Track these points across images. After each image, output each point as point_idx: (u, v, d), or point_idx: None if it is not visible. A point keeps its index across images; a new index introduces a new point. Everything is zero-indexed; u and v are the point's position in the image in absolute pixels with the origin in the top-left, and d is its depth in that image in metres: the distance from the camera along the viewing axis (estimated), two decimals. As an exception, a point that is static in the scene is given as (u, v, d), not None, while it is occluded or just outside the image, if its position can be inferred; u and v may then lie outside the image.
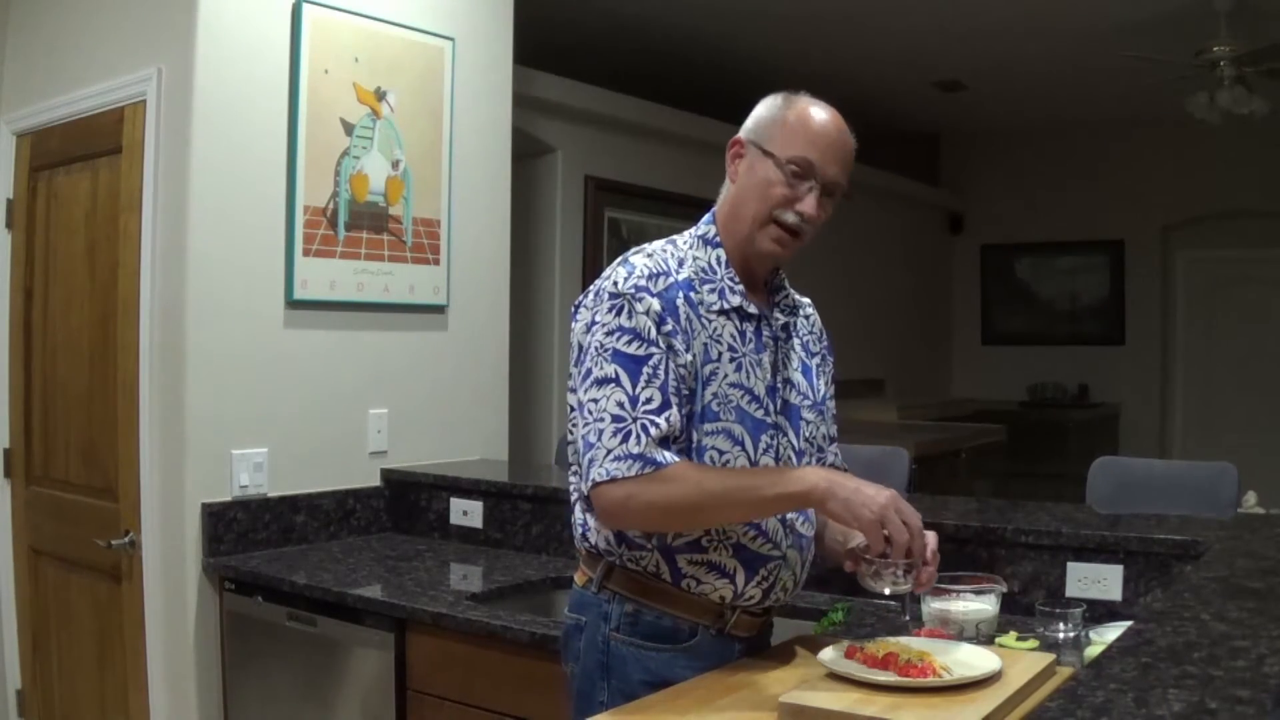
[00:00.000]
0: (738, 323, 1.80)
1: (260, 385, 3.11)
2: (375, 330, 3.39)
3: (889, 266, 7.99)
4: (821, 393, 1.94)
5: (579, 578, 1.86)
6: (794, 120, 1.78)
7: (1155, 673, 1.29)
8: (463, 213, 3.62)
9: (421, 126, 3.47)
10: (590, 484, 1.68)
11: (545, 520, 3.14)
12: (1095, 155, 8.12)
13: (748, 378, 1.79)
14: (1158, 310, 8.25)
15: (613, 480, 1.65)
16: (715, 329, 1.77)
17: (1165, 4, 5.25)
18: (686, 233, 1.87)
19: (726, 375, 1.77)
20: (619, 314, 1.71)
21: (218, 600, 3.01)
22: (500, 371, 3.81)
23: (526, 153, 4.82)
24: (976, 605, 1.93)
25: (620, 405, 1.67)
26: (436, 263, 3.53)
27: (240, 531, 3.05)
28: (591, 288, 1.80)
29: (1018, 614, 2.18)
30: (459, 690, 2.46)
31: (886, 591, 1.71)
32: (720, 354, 1.77)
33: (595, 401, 1.69)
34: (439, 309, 3.56)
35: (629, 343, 1.69)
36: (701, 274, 1.79)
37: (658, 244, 1.83)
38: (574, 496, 1.85)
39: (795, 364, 1.89)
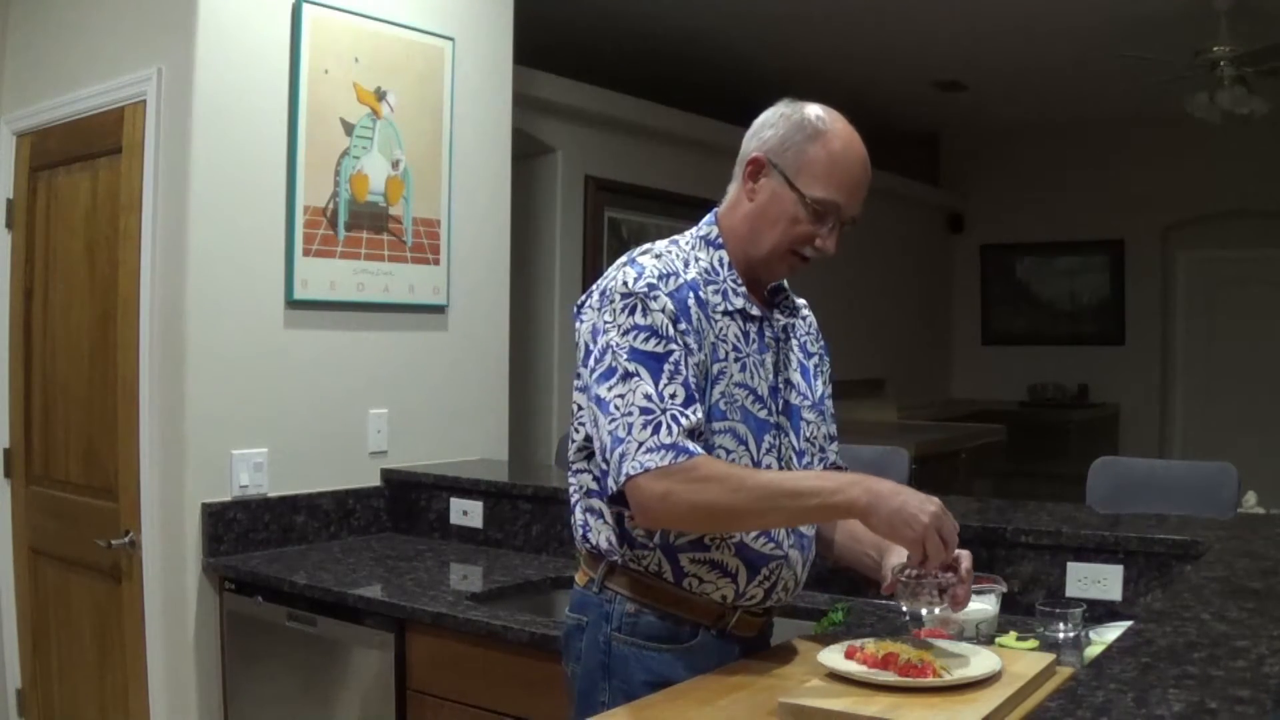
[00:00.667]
0: (741, 324, 1.80)
1: (260, 385, 3.11)
2: (375, 330, 3.39)
3: (889, 267, 7.99)
4: (820, 393, 1.95)
5: (580, 578, 1.86)
6: (825, 160, 1.76)
7: (1155, 673, 1.29)
8: (463, 213, 3.62)
9: (421, 126, 3.47)
10: (624, 478, 1.64)
11: (545, 520, 3.14)
12: (1095, 155, 8.11)
13: (751, 378, 1.80)
14: (1158, 310, 8.25)
15: (647, 472, 1.62)
16: (721, 329, 1.77)
17: (1165, 4, 5.25)
18: (687, 233, 1.87)
19: (732, 375, 1.77)
20: (633, 313, 1.70)
21: (218, 600, 3.01)
22: (500, 371, 3.81)
23: (526, 153, 4.82)
24: (976, 605, 1.93)
25: (647, 398, 1.65)
26: (436, 263, 3.53)
27: (240, 531, 3.05)
28: (595, 287, 1.79)
29: (1018, 614, 2.18)
30: (459, 690, 2.47)
31: (923, 611, 1.74)
32: (726, 354, 1.77)
33: (621, 397, 1.66)
34: (439, 309, 3.57)
35: (646, 340, 1.68)
36: (705, 275, 1.79)
37: (661, 244, 1.83)
38: (574, 496, 1.85)
39: (794, 365, 1.90)
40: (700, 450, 1.65)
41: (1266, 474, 4.70)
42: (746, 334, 1.81)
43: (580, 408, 1.79)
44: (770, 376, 1.83)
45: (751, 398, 1.79)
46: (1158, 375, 8.24)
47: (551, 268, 5.18)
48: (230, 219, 3.04)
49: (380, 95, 3.34)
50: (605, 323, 1.72)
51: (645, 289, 1.70)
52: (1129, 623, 1.71)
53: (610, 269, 1.80)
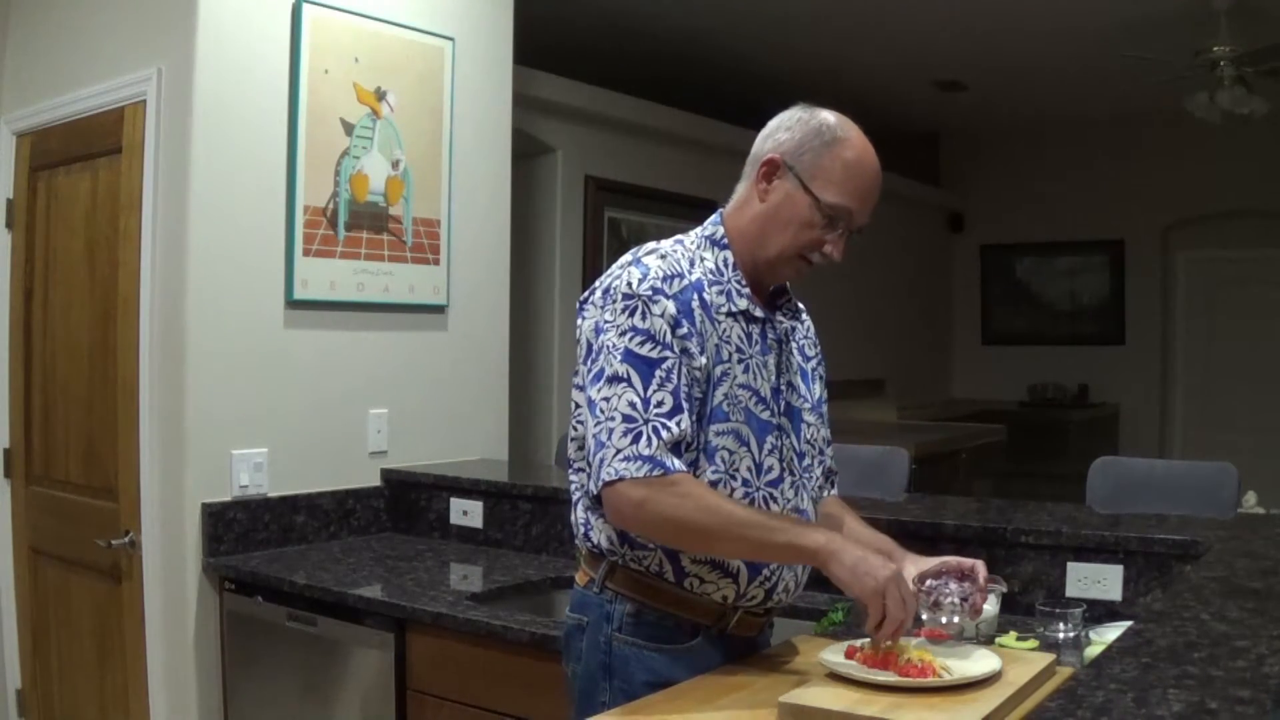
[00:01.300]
0: (744, 325, 1.80)
1: (260, 385, 3.11)
2: (375, 330, 3.39)
3: (889, 266, 7.98)
4: (818, 395, 1.95)
5: (580, 578, 1.86)
6: (841, 167, 1.77)
7: (1155, 673, 1.29)
8: (463, 213, 3.62)
9: (421, 126, 3.47)
10: (600, 483, 1.67)
11: (545, 520, 3.14)
12: (1095, 155, 8.11)
13: (755, 379, 1.80)
14: (1158, 310, 8.25)
15: (621, 480, 1.64)
16: (725, 330, 1.77)
17: (1165, 4, 5.25)
18: (693, 232, 1.86)
19: (735, 377, 1.77)
20: (632, 315, 1.70)
21: (218, 600, 3.01)
22: (500, 371, 3.81)
23: (526, 153, 4.82)
24: (976, 605, 1.93)
25: (631, 405, 1.66)
26: (436, 263, 3.53)
27: (240, 531, 3.05)
28: (599, 284, 1.78)
29: (1018, 614, 2.18)
30: (459, 690, 2.47)
31: (943, 620, 1.76)
32: (730, 355, 1.77)
33: (606, 400, 1.68)
34: (439, 309, 3.57)
35: (642, 344, 1.69)
36: (710, 275, 1.79)
37: (666, 243, 1.82)
38: (575, 496, 1.85)
39: (794, 367, 1.90)
40: (680, 466, 1.66)
41: (1266, 474, 4.69)
42: (749, 335, 1.81)
43: (579, 405, 1.80)
44: (773, 378, 1.83)
45: (755, 399, 1.79)
46: (1158, 375, 8.24)
47: (551, 268, 5.19)
48: (230, 219, 3.04)
49: (380, 95, 3.34)
50: (605, 321, 1.72)
51: (648, 292, 1.70)
52: (1129, 623, 1.71)
53: (615, 266, 1.80)
